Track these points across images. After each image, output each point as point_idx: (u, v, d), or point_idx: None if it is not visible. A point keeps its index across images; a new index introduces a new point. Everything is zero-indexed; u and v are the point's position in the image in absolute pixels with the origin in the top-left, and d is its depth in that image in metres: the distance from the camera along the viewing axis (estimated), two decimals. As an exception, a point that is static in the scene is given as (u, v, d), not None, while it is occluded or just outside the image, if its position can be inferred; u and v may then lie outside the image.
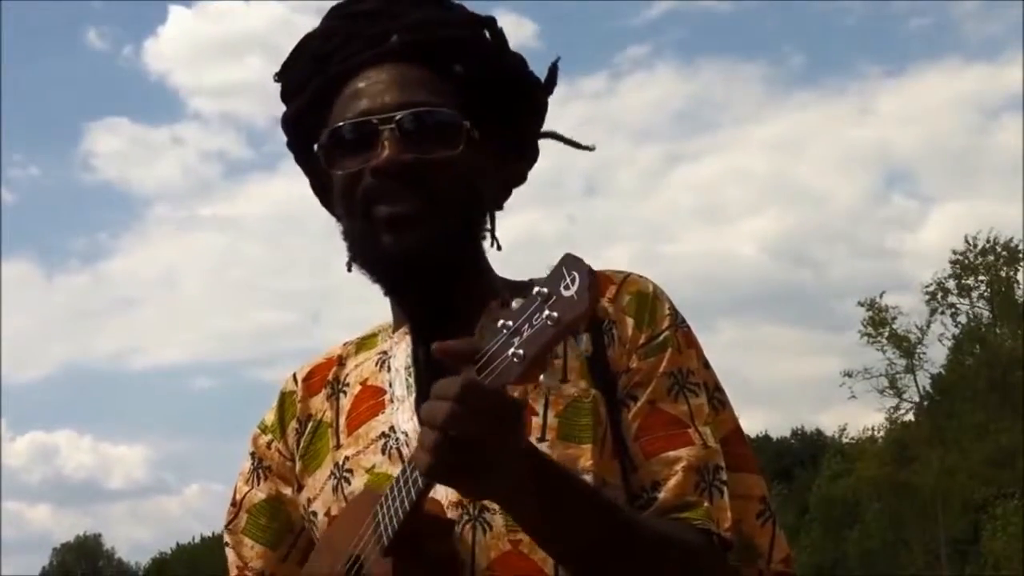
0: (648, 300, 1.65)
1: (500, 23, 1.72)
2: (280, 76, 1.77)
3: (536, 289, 1.28)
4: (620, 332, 1.62)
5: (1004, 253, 35.12)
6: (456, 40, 1.68)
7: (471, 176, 1.63)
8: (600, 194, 78.59)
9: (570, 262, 1.27)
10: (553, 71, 1.75)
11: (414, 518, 1.44)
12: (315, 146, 1.67)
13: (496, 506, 1.53)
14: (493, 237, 1.70)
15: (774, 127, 74.55)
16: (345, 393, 1.74)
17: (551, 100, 1.75)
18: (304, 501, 1.71)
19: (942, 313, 36.05)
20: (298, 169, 1.78)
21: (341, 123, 1.64)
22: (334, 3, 1.75)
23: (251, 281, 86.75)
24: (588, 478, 1.55)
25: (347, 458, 1.66)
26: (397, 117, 1.60)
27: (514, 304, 1.30)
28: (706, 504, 1.56)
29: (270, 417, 1.79)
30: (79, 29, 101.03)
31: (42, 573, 72.72)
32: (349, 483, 1.65)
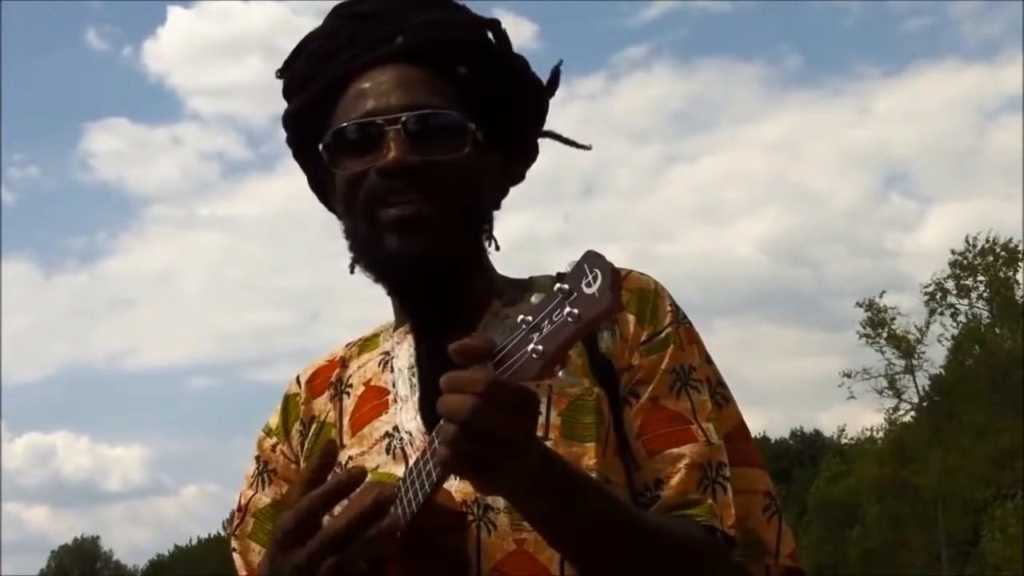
0: (650, 297, 1.66)
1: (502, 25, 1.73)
2: (282, 72, 1.77)
3: (557, 286, 1.27)
4: (622, 329, 1.63)
5: (1004, 253, 35.04)
6: (460, 42, 1.69)
7: (475, 178, 1.64)
8: (598, 194, 78.68)
9: (592, 259, 1.27)
10: (556, 73, 1.76)
11: (428, 509, 1.43)
12: (320, 145, 1.67)
13: (501, 506, 1.54)
14: (492, 238, 1.71)
15: (772, 127, 74.73)
16: (348, 394, 1.74)
17: (550, 102, 1.76)
18: None
19: (941, 313, 35.98)
20: (296, 168, 1.79)
21: (346, 123, 1.64)
22: (334, 3, 1.75)
23: (249, 281, 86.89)
24: (592, 476, 1.55)
25: (351, 458, 1.66)
26: (403, 119, 1.61)
27: (533, 299, 1.29)
28: (709, 501, 1.57)
29: (274, 420, 1.80)
30: (79, 29, 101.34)
31: (40, 575, 72.77)
32: None
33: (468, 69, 1.67)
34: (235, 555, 1.78)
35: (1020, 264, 35.06)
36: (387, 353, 1.74)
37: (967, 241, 35.39)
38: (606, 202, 77.67)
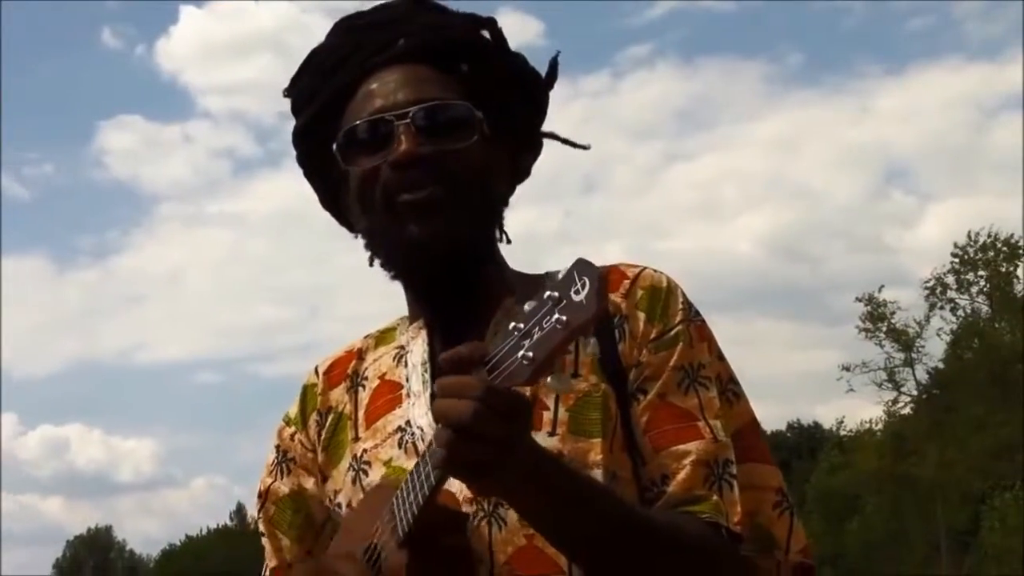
0: (661, 294, 1.66)
1: (507, 21, 1.76)
2: (289, 91, 1.78)
3: (547, 293, 1.29)
4: (631, 326, 1.63)
5: (1005, 249, 35.04)
6: (460, 41, 1.71)
7: (485, 167, 1.65)
8: (599, 191, 78.71)
9: (582, 267, 1.28)
10: (554, 66, 1.77)
11: (428, 511, 1.45)
12: (333, 146, 1.68)
13: None
14: (502, 232, 1.72)
15: (774, 125, 74.62)
16: (364, 387, 1.75)
17: (554, 98, 1.77)
18: (330, 492, 1.73)
19: (941, 308, 35.98)
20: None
21: (357, 122, 1.65)
22: (340, 3, 1.76)
23: (254, 277, 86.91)
24: (598, 472, 1.56)
25: (365, 451, 1.68)
26: (411, 112, 1.63)
27: (526, 307, 1.31)
28: (715, 498, 1.57)
29: (293, 409, 1.81)
30: (94, 29, 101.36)
31: (55, 565, 72.89)
32: (367, 475, 1.66)
33: (469, 66, 1.68)
34: (264, 539, 1.80)
35: (1020, 260, 35.02)
36: (402, 347, 1.75)
37: (969, 236, 35.38)
38: (607, 199, 77.76)
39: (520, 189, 1.77)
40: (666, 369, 1.62)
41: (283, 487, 1.78)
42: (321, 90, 1.72)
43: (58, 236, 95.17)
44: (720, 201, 75.08)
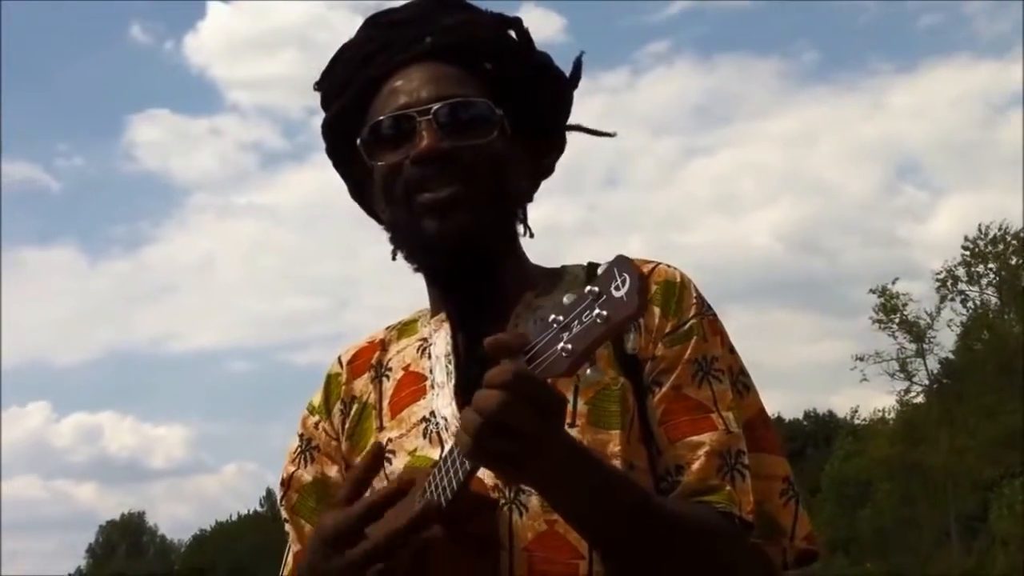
0: (675, 289, 1.66)
1: (530, 16, 1.75)
2: (319, 84, 1.79)
3: (588, 288, 1.29)
4: (647, 321, 1.63)
5: (1014, 242, 34.94)
6: (485, 40, 1.71)
7: (505, 163, 1.66)
8: (619, 185, 78.65)
9: (621, 264, 1.28)
10: (578, 65, 1.77)
11: (462, 495, 1.45)
12: (357, 141, 1.69)
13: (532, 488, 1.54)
14: (526, 226, 1.73)
15: (788, 121, 74.33)
16: (388, 377, 1.75)
17: (575, 94, 1.77)
18: None
19: (952, 300, 35.94)
20: (328, 159, 1.80)
21: (381, 118, 1.66)
22: (365, 1, 1.76)
23: (283, 268, 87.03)
24: (616, 463, 1.56)
25: (390, 440, 1.68)
26: (433, 108, 1.63)
27: (565, 300, 1.31)
28: (728, 488, 1.57)
29: (317, 398, 1.81)
30: (123, 24, 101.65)
31: (88, 549, 73.27)
32: (391, 464, 1.66)
33: (494, 65, 1.69)
34: (287, 525, 1.80)
35: (1029, 253, 34.88)
36: (425, 340, 1.75)
37: (979, 229, 35.28)
38: (628, 192, 77.71)
39: (544, 182, 1.77)
40: (680, 362, 1.62)
41: (306, 475, 1.78)
42: (350, 84, 1.73)
43: (89, 227, 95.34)
44: (738, 195, 74.94)
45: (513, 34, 1.74)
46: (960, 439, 33.25)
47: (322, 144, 1.79)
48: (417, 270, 1.71)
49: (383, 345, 1.80)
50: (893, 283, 36.45)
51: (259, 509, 63.51)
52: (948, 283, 35.76)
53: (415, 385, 1.71)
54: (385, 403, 1.73)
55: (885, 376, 36.53)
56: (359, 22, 1.80)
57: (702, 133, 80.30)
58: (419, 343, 1.75)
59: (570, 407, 1.58)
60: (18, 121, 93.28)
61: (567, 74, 1.76)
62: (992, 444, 32.50)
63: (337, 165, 1.79)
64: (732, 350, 1.69)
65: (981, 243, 35.26)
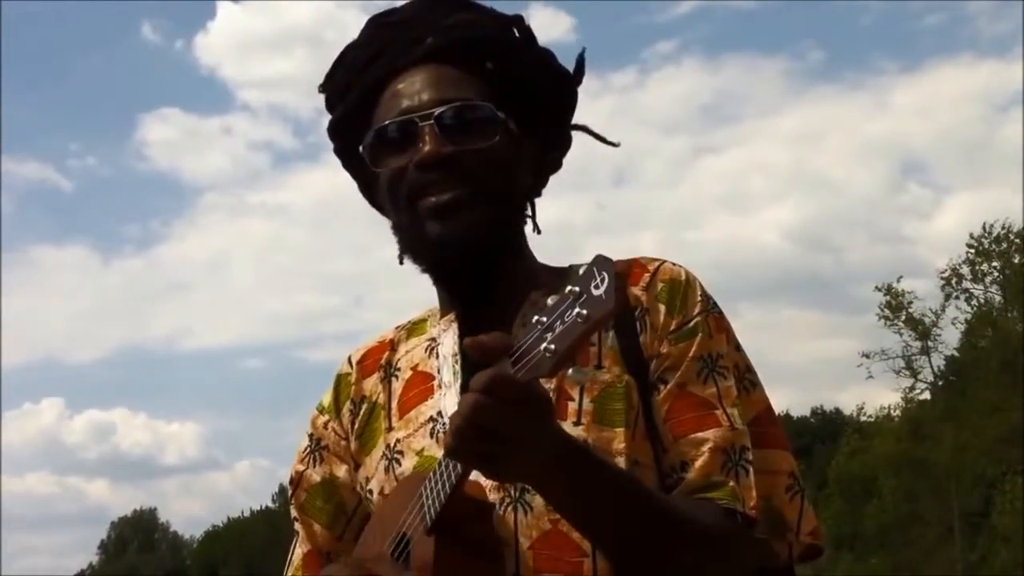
0: (680, 287, 1.65)
1: (539, 17, 1.78)
2: (324, 87, 1.79)
3: (568, 288, 1.30)
4: (652, 319, 1.63)
5: (1018, 241, 34.86)
6: (487, 39, 1.70)
7: (508, 164, 1.65)
8: (628, 183, 78.65)
9: (600, 263, 1.29)
10: (581, 61, 1.76)
11: (455, 500, 1.45)
12: (360, 147, 1.68)
13: None
14: (534, 223, 1.73)
15: (795, 120, 74.39)
16: (397, 377, 1.75)
17: (583, 93, 1.77)
18: (362, 480, 1.73)
19: (956, 298, 35.82)
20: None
21: (384, 123, 1.66)
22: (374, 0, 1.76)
23: (296, 266, 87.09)
24: (621, 459, 1.56)
25: (398, 440, 1.68)
26: (435, 113, 1.63)
27: (549, 301, 1.32)
28: (732, 484, 1.57)
29: (327, 398, 1.81)
30: (134, 24, 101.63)
31: (100, 545, 73.38)
32: (400, 464, 1.66)
33: (496, 64, 1.68)
34: (296, 524, 1.80)
35: (1032, 250, 34.80)
36: (433, 339, 1.75)
37: (984, 227, 35.21)
38: (637, 191, 77.70)
39: (553, 180, 1.77)
40: (685, 359, 1.62)
41: (315, 475, 1.78)
42: (352, 87, 1.73)
43: (101, 226, 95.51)
44: (746, 193, 74.91)
45: (515, 31, 1.73)
46: (964, 436, 33.16)
47: (333, 149, 1.79)
48: (423, 271, 1.70)
49: (392, 345, 1.79)
50: (898, 281, 36.40)
51: (271, 505, 63.58)
52: (953, 281, 35.68)
53: (423, 385, 1.71)
54: (394, 403, 1.73)
55: (891, 373, 36.47)
56: (369, 21, 1.79)
57: (710, 132, 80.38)
58: (428, 343, 1.75)
59: (575, 405, 1.59)
60: (29, 121, 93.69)
61: (571, 71, 1.75)
62: (996, 441, 32.42)
63: (346, 165, 1.79)
64: (738, 347, 1.68)
65: (985, 241, 35.18)
